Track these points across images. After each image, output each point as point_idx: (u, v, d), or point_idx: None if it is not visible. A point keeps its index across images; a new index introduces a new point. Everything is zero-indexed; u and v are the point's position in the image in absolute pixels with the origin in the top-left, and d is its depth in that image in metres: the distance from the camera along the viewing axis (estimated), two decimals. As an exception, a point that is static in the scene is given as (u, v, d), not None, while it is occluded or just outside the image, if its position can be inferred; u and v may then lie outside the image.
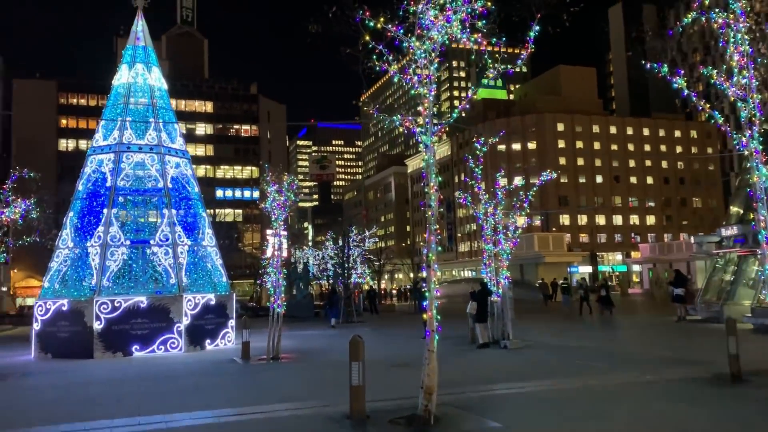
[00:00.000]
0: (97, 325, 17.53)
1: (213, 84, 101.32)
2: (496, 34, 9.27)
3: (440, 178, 9.78)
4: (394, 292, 64.38)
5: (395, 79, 9.22)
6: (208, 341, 19.43)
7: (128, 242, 18.97)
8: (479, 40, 9.22)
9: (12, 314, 43.87)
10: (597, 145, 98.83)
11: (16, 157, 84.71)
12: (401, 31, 8.79)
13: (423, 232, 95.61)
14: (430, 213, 8.83)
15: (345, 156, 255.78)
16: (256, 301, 53.26)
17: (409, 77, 8.94)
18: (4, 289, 60.30)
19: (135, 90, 20.37)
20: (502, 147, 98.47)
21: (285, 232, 16.15)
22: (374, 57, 8.96)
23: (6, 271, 69.58)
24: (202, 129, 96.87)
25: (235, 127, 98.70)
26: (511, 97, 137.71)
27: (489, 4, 8.82)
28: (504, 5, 9.28)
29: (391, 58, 8.97)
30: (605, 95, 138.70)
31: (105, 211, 18.87)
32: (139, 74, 20.57)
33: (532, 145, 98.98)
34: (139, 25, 21.07)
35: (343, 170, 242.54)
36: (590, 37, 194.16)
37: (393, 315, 37.80)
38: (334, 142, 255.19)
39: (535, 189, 18.65)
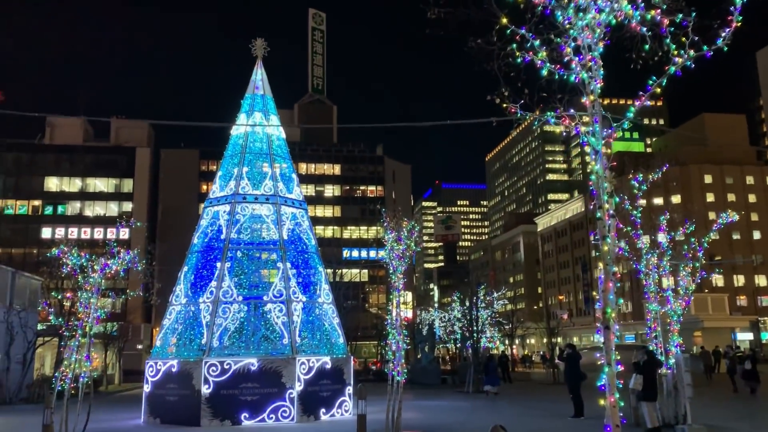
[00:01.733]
0: (206, 389, 16.11)
1: (341, 147, 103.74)
2: (682, 8, 6.72)
3: (615, 199, 7.17)
4: (536, 357, 59.24)
5: (543, 72, 6.90)
6: (322, 410, 17.43)
7: (240, 298, 17.67)
8: (658, 18, 6.73)
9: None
10: (752, 198, 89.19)
11: (161, 223, 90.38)
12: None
13: (556, 293, 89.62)
14: (606, 248, 6.29)
15: (470, 216, 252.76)
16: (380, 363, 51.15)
17: (567, 57, 6.59)
18: (140, 346, 62.62)
19: (253, 139, 19.56)
20: (642, 201, 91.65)
21: (404, 289, 13.96)
22: (514, 46, 6.77)
23: (148, 330, 72.80)
24: (330, 191, 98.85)
25: (361, 188, 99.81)
26: (649, 150, 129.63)
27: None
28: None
29: (537, 43, 6.72)
30: (757, 143, 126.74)
31: (218, 264, 17.78)
32: (257, 122, 19.79)
33: (675, 199, 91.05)
34: (258, 74, 20.48)
35: (468, 230, 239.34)
36: (734, 83, 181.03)
37: (529, 384, 34.01)
38: (459, 202, 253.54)
39: (711, 235, 15.27)
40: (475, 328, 29.40)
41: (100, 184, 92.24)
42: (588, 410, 16.48)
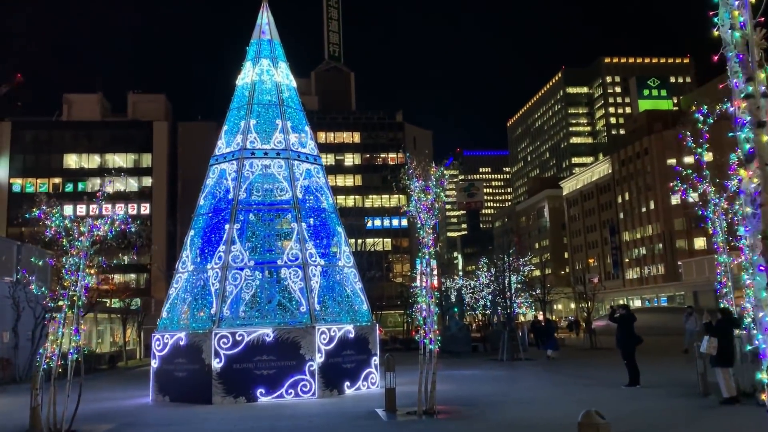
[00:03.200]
0: (216, 363, 14.56)
1: (360, 115, 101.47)
2: None
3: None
4: (563, 322, 57.37)
5: None
6: (347, 383, 15.83)
7: (252, 263, 16.02)
8: None
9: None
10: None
11: (182, 196, 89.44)
12: None
13: (583, 258, 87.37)
14: (765, 137, 4.30)
15: (493, 183, 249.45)
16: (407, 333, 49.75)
17: None
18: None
19: (260, 89, 17.69)
20: (672, 161, 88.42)
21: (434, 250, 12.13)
22: None
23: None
24: (350, 160, 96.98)
25: (381, 155, 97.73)
26: (675, 109, 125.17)
27: None
28: None
29: None
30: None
31: (227, 227, 16.10)
32: (265, 71, 17.89)
33: (708, 158, 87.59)
34: (264, 17, 18.50)
35: (491, 197, 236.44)
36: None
37: (564, 350, 32.15)
38: (481, 169, 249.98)
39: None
40: (508, 294, 27.56)
41: (119, 160, 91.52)
42: (644, 378, 14.65)
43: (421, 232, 12.20)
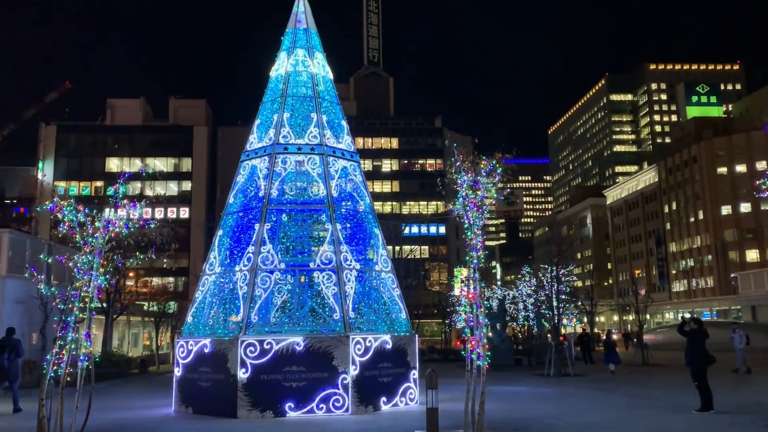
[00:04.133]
0: (243, 374, 13.42)
1: (398, 120, 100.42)
2: None
3: None
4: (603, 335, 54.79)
5: None
6: (383, 399, 14.52)
7: (283, 265, 14.88)
8: None
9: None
10: None
11: (220, 201, 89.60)
12: None
13: (627, 269, 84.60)
14: None
15: (533, 192, 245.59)
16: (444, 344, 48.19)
17: None
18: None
19: (294, 80, 16.59)
20: (722, 170, 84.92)
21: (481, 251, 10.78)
22: None
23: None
24: (388, 166, 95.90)
25: (420, 161, 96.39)
26: (725, 116, 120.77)
27: None
28: None
29: None
30: None
31: (256, 226, 15.01)
32: (300, 61, 16.80)
33: (761, 166, 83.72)
34: (300, 6, 17.43)
35: (531, 206, 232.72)
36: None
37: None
38: (521, 177, 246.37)
39: None
40: (556, 305, 25.88)
41: (159, 164, 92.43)
42: (717, 401, 12.97)
43: (469, 234, 10.85)
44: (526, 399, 16.49)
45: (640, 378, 22.65)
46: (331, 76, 17.32)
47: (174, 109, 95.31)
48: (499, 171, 10.84)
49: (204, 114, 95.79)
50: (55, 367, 10.02)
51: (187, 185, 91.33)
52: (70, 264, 10.31)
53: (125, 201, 10.79)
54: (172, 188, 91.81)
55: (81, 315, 10.23)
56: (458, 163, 10.70)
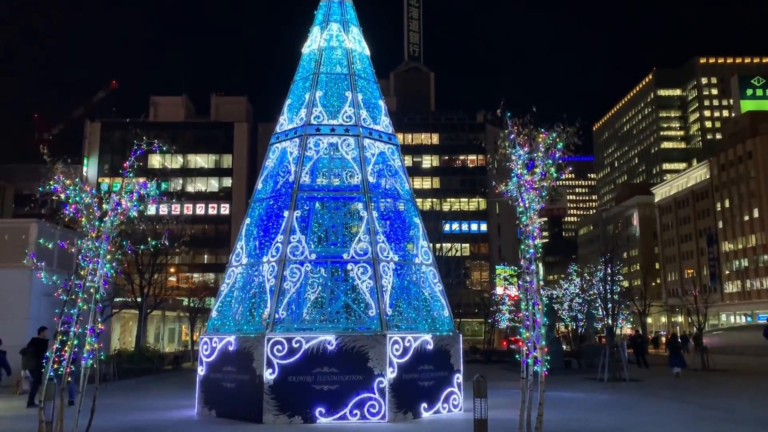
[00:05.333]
0: (269, 374, 12.20)
1: (439, 116, 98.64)
2: None
3: None
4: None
5: None
6: (423, 405, 13.12)
7: (314, 256, 13.62)
8: None
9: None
10: None
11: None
12: None
13: (676, 269, 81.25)
14: None
15: (576, 190, 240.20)
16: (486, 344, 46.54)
17: None
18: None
19: (328, 57, 15.31)
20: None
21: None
22: None
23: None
24: (428, 162, 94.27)
25: (461, 157, 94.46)
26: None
27: None
28: None
29: None
30: None
31: (286, 214, 13.78)
32: (334, 36, 15.51)
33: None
34: (336, -23, 16.14)
35: (574, 205, 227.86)
36: None
37: (670, 371, 28.07)
38: (564, 174, 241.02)
39: None
40: (610, 305, 24.02)
41: (200, 160, 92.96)
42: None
43: (524, 218, 9.38)
44: (583, 407, 14.85)
45: (706, 385, 20.65)
46: (367, 52, 15.98)
47: (215, 105, 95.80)
48: (560, 146, 9.31)
49: (244, 110, 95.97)
50: (56, 366, 8.95)
51: (227, 181, 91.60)
52: (73, 250, 9.23)
53: (133, 179, 9.59)
54: (213, 184, 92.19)
55: (85, 306, 9.14)
56: (512, 136, 9.22)
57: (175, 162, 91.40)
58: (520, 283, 9.44)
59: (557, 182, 9.22)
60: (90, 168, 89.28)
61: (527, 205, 9.31)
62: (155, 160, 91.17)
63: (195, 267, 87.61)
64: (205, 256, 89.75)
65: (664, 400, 16.23)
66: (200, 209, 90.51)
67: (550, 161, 9.21)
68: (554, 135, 9.26)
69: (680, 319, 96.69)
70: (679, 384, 21.03)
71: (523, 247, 9.37)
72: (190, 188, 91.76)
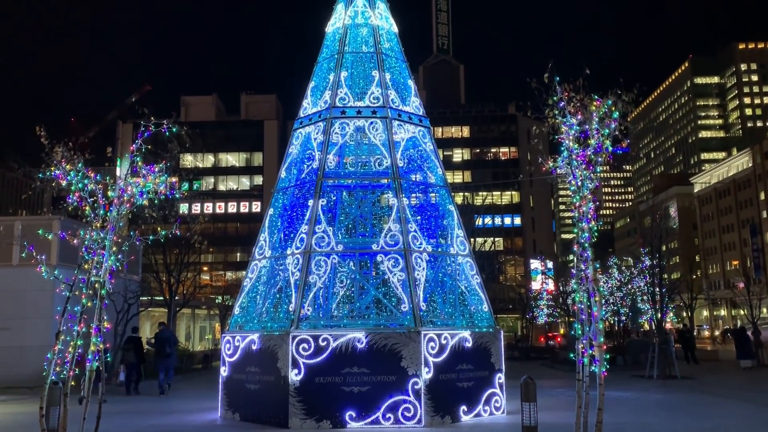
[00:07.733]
0: (294, 375, 11.28)
1: (469, 108, 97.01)
2: None
3: None
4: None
5: None
6: (463, 408, 12.04)
7: (340, 248, 12.65)
8: None
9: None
10: None
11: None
12: None
13: (718, 261, 78.45)
14: None
15: (611, 182, 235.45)
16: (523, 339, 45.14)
17: None
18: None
19: (353, 34, 14.33)
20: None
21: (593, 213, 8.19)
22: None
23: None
24: (459, 155, 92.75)
25: (492, 150, 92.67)
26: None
27: None
28: None
29: None
30: None
31: (310, 203, 12.83)
32: (359, 13, 14.50)
33: None
34: (360, -49, 15.12)
35: (609, 197, 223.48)
36: None
37: (722, 367, 26.45)
38: (598, 167, 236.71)
39: None
40: (659, 299, 22.57)
41: (231, 159, 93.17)
42: None
43: (576, 198, 8.26)
44: (637, 408, 13.59)
45: (757, 382, 19.15)
46: (395, 29, 14.93)
47: (245, 104, 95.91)
48: (615, 116, 8.15)
49: (274, 108, 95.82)
50: (58, 368, 8.15)
51: (258, 179, 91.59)
52: (75, 242, 8.42)
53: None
54: (244, 182, 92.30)
55: (89, 303, 8.32)
56: (562, 104, 8.09)
57: (207, 161, 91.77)
58: (574, 271, 8.31)
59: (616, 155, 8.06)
60: (123, 169, 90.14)
61: (580, 183, 8.18)
62: (186, 159, 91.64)
63: (228, 265, 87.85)
64: (238, 254, 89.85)
65: (731, 401, 14.84)
66: (232, 207, 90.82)
67: (606, 132, 8.06)
68: (609, 102, 8.09)
69: (723, 312, 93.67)
70: (731, 382, 19.53)
71: (575, 230, 8.24)
72: (221, 187, 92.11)
